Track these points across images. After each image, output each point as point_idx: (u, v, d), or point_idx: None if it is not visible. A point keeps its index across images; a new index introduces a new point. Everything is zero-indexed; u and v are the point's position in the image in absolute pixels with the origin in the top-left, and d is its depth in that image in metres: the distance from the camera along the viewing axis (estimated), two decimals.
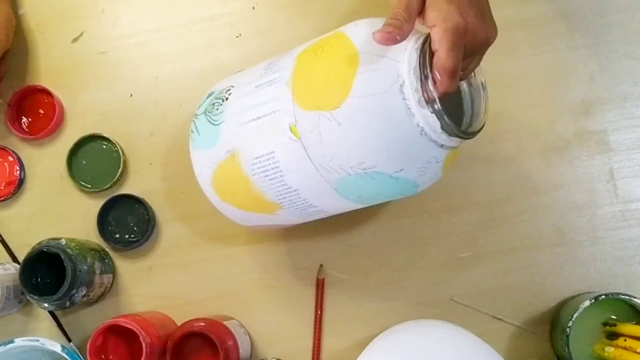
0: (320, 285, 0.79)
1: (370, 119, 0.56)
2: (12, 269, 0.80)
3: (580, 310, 0.69)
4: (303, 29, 0.83)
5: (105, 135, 0.83)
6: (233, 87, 0.66)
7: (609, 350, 0.69)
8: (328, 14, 0.83)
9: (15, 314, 0.82)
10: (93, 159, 0.83)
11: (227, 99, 0.65)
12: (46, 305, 0.73)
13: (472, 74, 0.62)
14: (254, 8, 0.84)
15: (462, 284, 0.78)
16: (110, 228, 0.82)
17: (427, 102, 0.55)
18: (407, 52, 0.56)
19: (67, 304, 0.73)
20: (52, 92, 0.84)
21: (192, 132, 0.68)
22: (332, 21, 0.82)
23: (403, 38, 0.55)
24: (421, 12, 0.57)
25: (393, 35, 0.54)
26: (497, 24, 0.61)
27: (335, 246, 0.79)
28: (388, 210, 0.78)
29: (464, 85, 0.63)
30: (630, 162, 0.78)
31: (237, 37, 0.84)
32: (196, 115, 0.68)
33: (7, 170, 0.84)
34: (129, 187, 0.83)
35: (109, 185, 0.82)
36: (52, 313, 0.81)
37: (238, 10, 0.85)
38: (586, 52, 0.79)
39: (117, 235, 0.82)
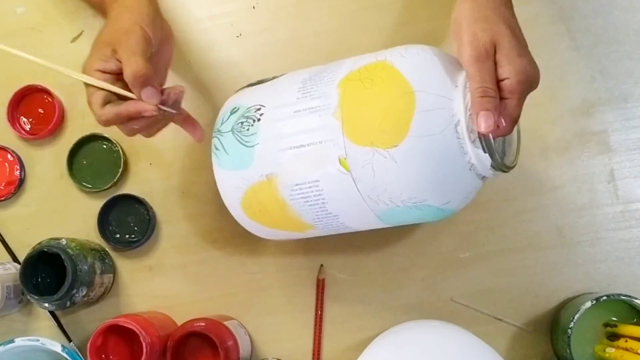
0: (320, 286, 0.79)
1: (426, 158, 0.57)
2: (13, 269, 0.80)
3: (582, 311, 0.69)
4: (303, 29, 0.83)
5: (106, 135, 0.83)
6: (264, 106, 0.65)
7: (610, 351, 0.69)
8: (328, 14, 0.83)
9: (15, 314, 0.82)
10: (93, 159, 0.83)
11: (259, 119, 0.64)
12: (46, 305, 0.73)
13: None
14: (254, 7, 0.84)
15: (463, 285, 0.78)
16: (110, 228, 0.82)
17: (480, 142, 0.57)
18: (459, 89, 0.58)
19: (68, 304, 0.73)
20: (52, 91, 0.84)
21: (217, 149, 0.66)
22: (332, 21, 0.82)
23: (498, 116, 0.57)
24: None
25: (496, 120, 0.56)
26: None
27: (336, 246, 0.79)
28: None
29: None
30: (630, 162, 0.78)
31: (238, 36, 0.84)
32: (219, 131, 0.67)
33: (7, 170, 0.84)
34: (130, 187, 0.83)
35: (109, 185, 0.82)
36: (52, 313, 0.81)
37: (238, 10, 0.84)
38: (587, 52, 0.79)
39: (118, 235, 0.82)
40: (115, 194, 0.82)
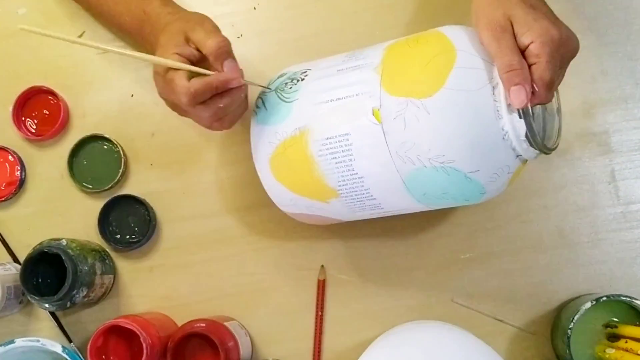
0: (321, 286, 0.79)
1: (459, 113, 0.57)
2: (13, 270, 0.80)
3: (582, 311, 0.69)
4: (304, 30, 0.83)
5: (106, 135, 0.83)
6: (310, 69, 0.67)
7: (610, 352, 0.69)
8: (329, 15, 0.83)
9: (16, 315, 0.82)
10: (94, 160, 0.83)
11: (302, 79, 0.66)
12: (47, 305, 0.73)
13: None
14: (255, 9, 0.84)
15: (463, 286, 0.78)
16: (111, 228, 0.82)
17: (517, 108, 0.56)
18: None
19: (68, 304, 0.73)
20: (56, 92, 0.84)
21: (258, 107, 0.68)
22: (333, 21, 0.82)
23: (531, 87, 0.56)
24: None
25: (528, 92, 0.55)
26: None
27: (336, 247, 0.79)
28: None
29: (537, 108, 0.63)
30: (631, 163, 0.78)
31: (239, 37, 0.84)
32: (263, 92, 0.68)
33: (8, 170, 0.84)
34: (130, 188, 0.83)
35: (109, 186, 0.82)
36: (52, 313, 0.81)
37: (239, 11, 0.84)
38: (588, 53, 0.79)
39: (118, 236, 0.82)
40: (115, 195, 0.82)
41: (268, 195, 0.69)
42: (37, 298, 0.73)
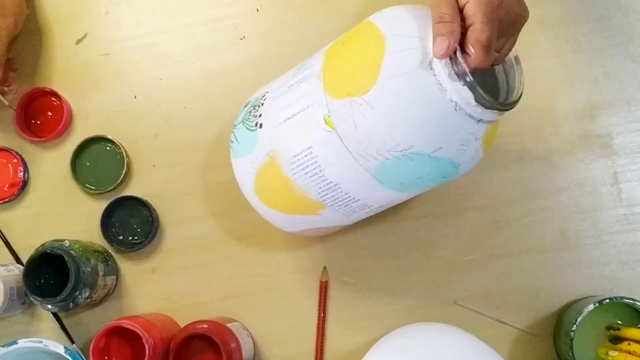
0: (323, 288, 0.79)
1: (401, 98, 0.55)
2: (16, 270, 0.80)
3: (584, 314, 0.69)
4: (307, 31, 0.83)
5: (109, 137, 0.83)
6: (267, 92, 0.67)
7: (613, 354, 0.69)
8: (332, 16, 0.83)
9: (18, 315, 0.82)
10: (97, 161, 0.83)
11: (262, 104, 0.66)
12: (49, 306, 0.73)
13: None
14: (257, 10, 0.84)
15: (466, 287, 0.77)
16: (113, 230, 0.82)
17: (458, 76, 0.54)
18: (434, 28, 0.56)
19: (71, 305, 0.73)
20: (60, 94, 0.84)
21: (232, 142, 0.68)
22: (337, 23, 0.82)
23: (457, 40, 0.54)
24: None
25: (451, 45, 0.54)
26: None
27: (339, 249, 0.79)
28: (392, 213, 0.78)
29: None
30: (634, 165, 0.78)
31: (242, 39, 0.84)
32: (235, 126, 0.69)
33: (11, 171, 0.84)
34: (133, 189, 0.83)
35: (112, 187, 0.82)
36: (55, 314, 0.81)
37: (242, 13, 0.85)
38: (591, 55, 0.79)
39: (121, 237, 0.82)
40: (118, 196, 0.82)
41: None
42: (39, 299, 0.73)
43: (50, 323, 0.82)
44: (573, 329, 0.69)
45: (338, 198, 0.63)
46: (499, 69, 0.62)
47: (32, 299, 0.74)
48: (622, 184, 0.77)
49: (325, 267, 0.79)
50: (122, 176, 0.82)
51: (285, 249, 0.80)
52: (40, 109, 0.85)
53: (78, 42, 0.86)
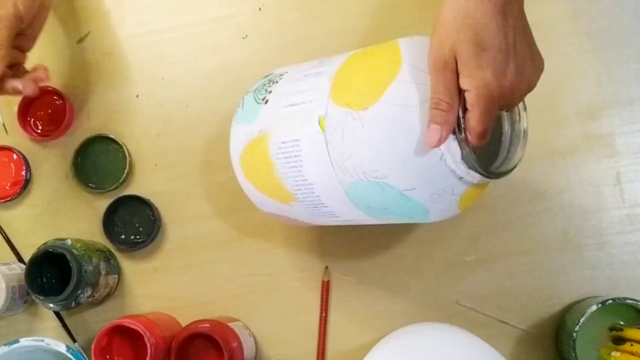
0: (325, 287, 0.79)
1: (393, 128, 0.56)
2: (18, 269, 0.80)
3: (587, 314, 0.69)
4: (309, 31, 0.83)
5: (111, 136, 0.83)
6: (287, 72, 0.67)
7: (616, 355, 0.69)
8: (334, 16, 0.83)
9: (20, 314, 0.82)
10: (99, 160, 0.83)
11: (277, 82, 0.66)
12: (51, 305, 0.73)
13: (517, 117, 0.61)
14: (260, 9, 0.84)
15: (468, 287, 0.77)
16: (115, 229, 0.82)
17: (454, 133, 0.55)
18: None
19: (73, 304, 0.73)
20: (62, 92, 0.84)
21: (238, 106, 0.69)
22: (339, 23, 0.82)
23: (450, 130, 0.54)
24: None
25: (443, 137, 0.54)
26: None
27: (341, 248, 0.79)
28: None
29: (506, 127, 0.62)
30: (636, 165, 0.77)
31: (244, 38, 0.84)
32: (247, 92, 0.69)
33: (13, 170, 0.84)
34: (135, 188, 0.83)
35: (114, 186, 0.82)
36: (57, 313, 0.81)
37: (244, 12, 0.84)
38: (593, 55, 0.79)
39: (123, 236, 0.82)
40: (120, 195, 0.82)
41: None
42: (41, 298, 0.73)
43: (52, 322, 0.82)
44: (576, 329, 0.69)
45: (309, 197, 0.64)
46: (506, 135, 0.62)
47: (34, 297, 0.74)
48: (625, 184, 0.77)
49: (327, 267, 0.79)
50: (124, 175, 0.82)
51: (287, 248, 0.80)
52: (42, 108, 0.85)
53: (80, 40, 0.86)
